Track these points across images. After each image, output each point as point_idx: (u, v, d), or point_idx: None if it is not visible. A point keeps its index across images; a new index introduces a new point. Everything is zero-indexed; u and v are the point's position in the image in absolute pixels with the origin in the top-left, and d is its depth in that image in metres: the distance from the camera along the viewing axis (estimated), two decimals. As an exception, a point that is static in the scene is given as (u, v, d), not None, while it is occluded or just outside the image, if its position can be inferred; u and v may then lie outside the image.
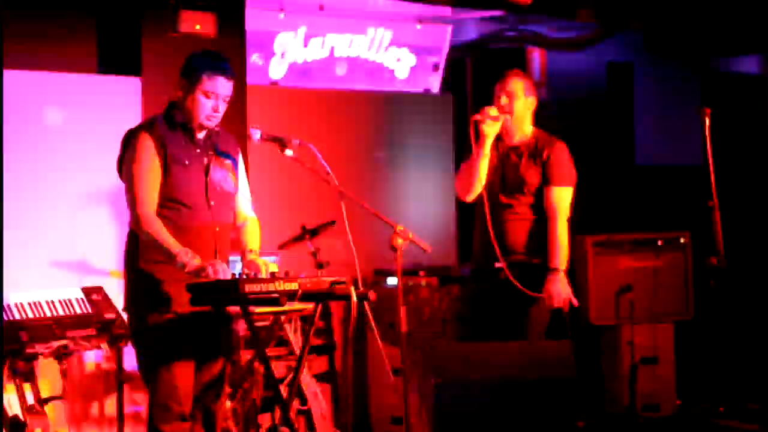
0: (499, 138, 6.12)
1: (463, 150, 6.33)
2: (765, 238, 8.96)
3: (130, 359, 6.61)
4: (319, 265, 6.84)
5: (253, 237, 5.23)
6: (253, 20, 7.71)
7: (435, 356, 5.47)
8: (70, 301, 6.09)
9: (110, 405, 6.83)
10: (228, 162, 5.15)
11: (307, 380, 6.51)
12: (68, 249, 6.77)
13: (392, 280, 7.77)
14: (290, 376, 6.29)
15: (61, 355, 5.85)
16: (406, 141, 8.59)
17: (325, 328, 7.24)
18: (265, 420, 6.63)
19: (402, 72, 8.73)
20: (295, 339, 6.61)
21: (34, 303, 5.96)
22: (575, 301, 6.14)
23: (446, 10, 8.66)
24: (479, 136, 6.03)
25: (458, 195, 6.22)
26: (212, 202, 5.06)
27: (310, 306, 5.76)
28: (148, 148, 4.96)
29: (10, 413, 5.74)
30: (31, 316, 5.89)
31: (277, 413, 6.26)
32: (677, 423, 8.32)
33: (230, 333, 5.20)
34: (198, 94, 4.98)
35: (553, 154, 6.10)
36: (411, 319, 7.57)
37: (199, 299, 4.80)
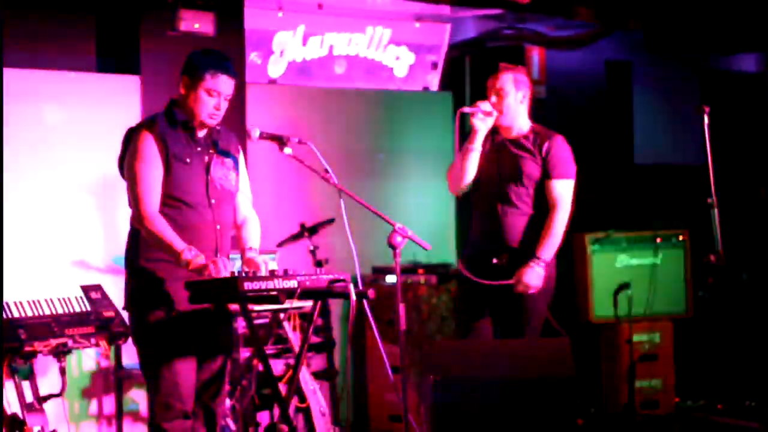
0: (495, 131, 6.09)
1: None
2: (764, 236, 8.96)
3: (128, 357, 6.63)
4: (318, 263, 6.85)
5: (253, 235, 5.24)
6: (252, 19, 7.71)
7: (433, 354, 5.47)
8: (68, 299, 6.09)
9: (109, 403, 6.84)
10: (229, 160, 5.16)
11: (305, 378, 6.51)
12: (67, 247, 6.77)
13: (391, 278, 7.78)
14: (289, 373, 6.30)
15: (59, 353, 5.85)
16: (404, 139, 8.60)
17: (324, 325, 7.24)
18: (263, 417, 6.64)
19: (401, 70, 8.73)
20: (294, 336, 6.62)
21: (33, 301, 5.96)
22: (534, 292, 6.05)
23: (445, 9, 8.66)
24: (470, 129, 6.02)
25: (449, 187, 6.19)
26: (213, 200, 5.06)
27: (309, 304, 5.77)
28: (149, 145, 4.97)
29: (9, 411, 5.74)
30: (30, 314, 5.89)
31: (276, 411, 6.26)
32: (676, 421, 8.33)
33: (230, 330, 5.21)
34: (200, 93, 4.99)
35: (552, 147, 6.05)
36: (410, 316, 7.60)
37: (198, 297, 4.81)
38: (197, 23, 7.07)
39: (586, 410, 8.34)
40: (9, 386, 5.78)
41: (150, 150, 4.96)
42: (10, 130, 6.31)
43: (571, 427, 5.39)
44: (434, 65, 8.85)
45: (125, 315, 5.30)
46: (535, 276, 5.95)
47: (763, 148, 9.24)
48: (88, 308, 6.11)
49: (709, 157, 5.98)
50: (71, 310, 6.06)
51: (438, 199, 8.48)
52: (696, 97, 9.69)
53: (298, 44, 8.17)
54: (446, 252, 8.33)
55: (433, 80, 8.88)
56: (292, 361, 6.53)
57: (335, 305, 7.69)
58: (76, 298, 6.13)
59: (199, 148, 5.07)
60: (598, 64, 9.34)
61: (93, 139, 6.87)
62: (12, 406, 5.79)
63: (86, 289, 6.24)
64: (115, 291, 6.42)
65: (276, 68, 8.12)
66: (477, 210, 6.18)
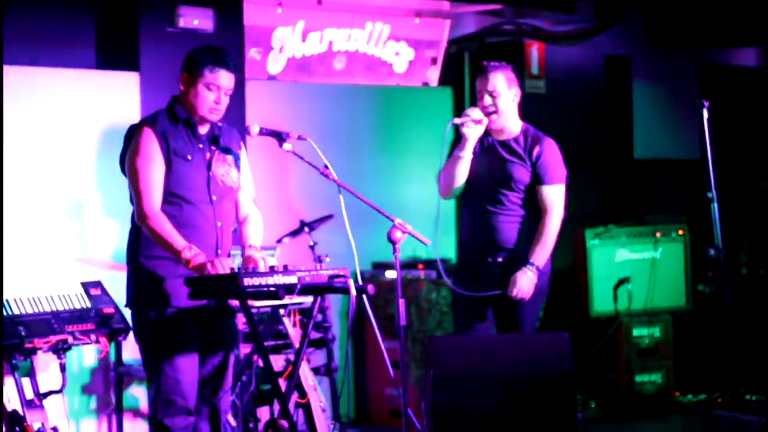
0: (485, 132, 6.03)
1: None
2: (763, 229, 8.96)
3: (128, 354, 6.63)
4: (318, 259, 6.85)
5: (254, 232, 5.25)
6: (251, 15, 7.71)
7: (433, 349, 5.47)
8: (68, 295, 6.10)
9: (109, 399, 6.84)
10: (230, 157, 5.16)
11: (305, 373, 6.52)
12: (67, 243, 6.77)
13: (391, 274, 7.78)
14: (289, 369, 6.31)
15: (59, 349, 5.85)
16: (404, 134, 8.60)
17: (324, 321, 7.25)
18: (263, 413, 6.65)
19: (400, 66, 8.73)
20: (294, 332, 6.62)
21: (33, 298, 5.96)
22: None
23: (444, 4, 8.66)
24: (461, 138, 5.96)
25: (440, 193, 6.13)
26: (214, 197, 5.07)
27: (308, 299, 5.78)
28: (150, 142, 4.97)
29: (10, 408, 5.75)
30: (30, 311, 5.89)
31: (276, 406, 6.27)
32: (676, 414, 8.34)
33: (232, 326, 5.22)
34: (200, 88, 5.00)
35: (543, 152, 6.00)
36: (410, 312, 7.60)
37: (198, 293, 4.81)
38: (196, 20, 7.07)
39: (587, 405, 8.34)
40: (9, 383, 5.78)
41: (151, 147, 4.97)
42: (10, 127, 6.32)
43: (571, 422, 5.39)
44: (434, 61, 8.84)
45: (125, 312, 5.30)
46: (527, 282, 5.94)
47: (762, 142, 9.24)
48: (88, 305, 6.12)
49: (709, 151, 5.98)
50: (71, 307, 6.06)
51: (438, 195, 8.47)
52: (695, 92, 9.68)
53: (297, 40, 8.17)
54: (446, 247, 8.33)
55: (433, 76, 8.87)
56: (292, 357, 6.54)
57: (335, 301, 7.69)
58: (76, 294, 6.14)
59: (200, 145, 5.08)
60: (598, 58, 9.34)
61: (92, 136, 6.87)
62: (12, 402, 5.79)
63: (86, 286, 6.24)
64: (115, 288, 6.42)
65: (275, 64, 8.11)
66: (468, 211, 6.16)
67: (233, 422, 6.26)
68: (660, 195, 9.40)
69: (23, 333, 5.71)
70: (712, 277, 6.06)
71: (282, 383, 5.22)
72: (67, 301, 6.06)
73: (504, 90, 6.01)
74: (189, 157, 5.02)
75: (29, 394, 5.83)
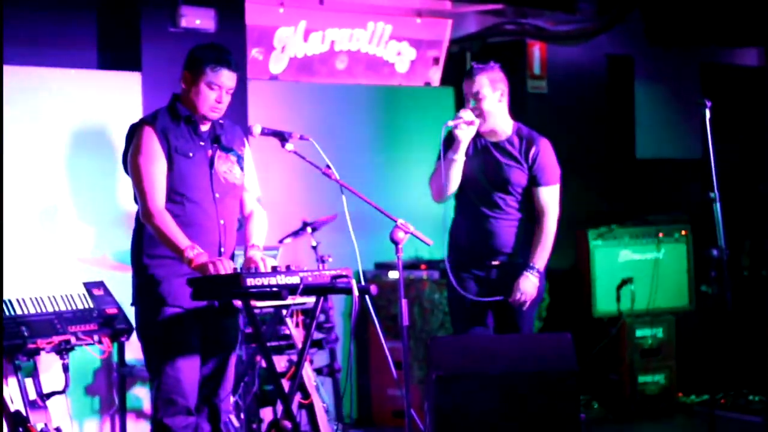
0: (477, 134, 5.99)
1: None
2: (764, 230, 8.96)
3: (131, 354, 6.63)
4: (320, 259, 6.84)
5: (257, 231, 5.23)
6: (253, 15, 7.71)
7: (436, 350, 5.47)
8: (71, 296, 6.10)
9: (112, 399, 6.84)
10: (233, 154, 5.16)
11: (308, 374, 6.52)
12: (70, 243, 6.77)
13: (393, 274, 7.78)
14: (292, 369, 6.30)
15: (62, 350, 5.86)
16: (406, 134, 8.59)
17: (327, 321, 7.24)
18: (266, 414, 6.64)
19: (402, 66, 8.73)
20: (297, 333, 6.62)
21: (36, 298, 5.96)
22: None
23: (446, 4, 8.66)
24: (454, 141, 5.93)
25: (432, 196, 6.11)
26: (217, 195, 5.06)
27: (311, 300, 5.78)
28: (151, 141, 4.97)
29: (13, 408, 5.75)
30: (32, 311, 5.90)
31: (279, 407, 6.26)
32: (678, 415, 8.33)
33: (235, 327, 5.22)
34: (201, 86, 5.00)
35: (539, 154, 5.98)
36: (412, 312, 7.60)
37: (201, 293, 4.81)
38: (198, 19, 7.07)
39: (589, 405, 8.34)
40: (12, 383, 5.79)
41: (152, 145, 4.97)
42: (12, 127, 6.32)
43: (574, 422, 5.38)
44: (435, 60, 8.84)
45: (128, 312, 5.30)
46: (530, 285, 5.95)
47: (764, 142, 9.24)
48: (91, 305, 6.12)
49: (711, 151, 5.98)
50: (74, 307, 6.06)
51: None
52: (697, 92, 9.68)
53: (299, 40, 8.17)
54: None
55: (435, 75, 8.87)
56: (294, 358, 6.53)
57: (338, 301, 7.69)
58: (78, 295, 6.14)
59: (202, 143, 5.08)
60: (599, 58, 9.33)
61: (94, 136, 6.87)
62: (15, 403, 5.79)
63: (89, 286, 6.25)
64: (118, 288, 6.42)
65: (277, 64, 8.11)
66: (462, 214, 6.13)
67: (236, 423, 6.25)
68: (662, 195, 9.39)
69: (26, 333, 5.71)
70: (715, 277, 6.06)
71: (285, 384, 5.21)
72: (70, 301, 6.06)
73: (488, 92, 5.97)
74: (190, 155, 5.02)
75: (32, 395, 5.84)
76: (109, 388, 6.86)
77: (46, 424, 5.77)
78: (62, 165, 6.77)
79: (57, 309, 5.99)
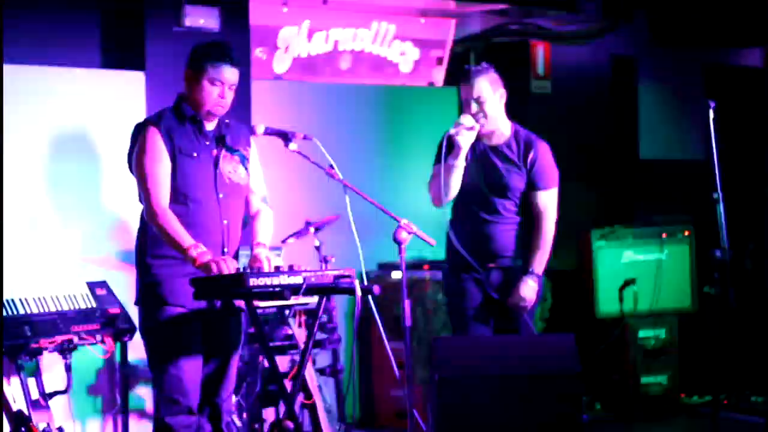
0: (476, 137, 5.96)
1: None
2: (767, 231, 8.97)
3: (134, 354, 6.62)
4: (323, 259, 6.84)
5: (263, 229, 5.23)
6: (257, 15, 7.70)
7: (439, 350, 5.46)
8: (74, 295, 6.10)
9: (114, 399, 6.84)
10: (238, 154, 5.16)
11: (310, 374, 6.51)
12: (73, 243, 6.77)
13: (397, 274, 7.77)
14: (294, 370, 6.30)
15: (65, 350, 5.86)
16: (409, 134, 8.58)
17: (329, 322, 7.23)
18: (269, 414, 6.64)
19: (406, 66, 8.72)
20: (299, 333, 6.62)
21: (39, 298, 5.96)
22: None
23: (450, 4, 8.65)
24: (454, 147, 5.90)
25: (432, 201, 6.08)
26: (221, 195, 5.06)
27: (314, 300, 5.77)
28: (155, 141, 4.98)
29: (15, 408, 5.75)
30: (35, 311, 5.90)
31: (282, 407, 6.26)
32: (681, 416, 8.33)
33: (238, 327, 5.22)
34: (204, 83, 5.01)
35: (538, 157, 5.96)
36: (415, 312, 7.59)
37: (203, 293, 4.81)
38: (202, 19, 7.07)
39: (592, 406, 8.33)
40: (15, 383, 5.79)
41: (156, 145, 4.98)
42: (14, 125, 6.32)
43: (577, 422, 5.38)
44: (439, 60, 8.83)
45: (131, 311, 5.30)
46: (530, 291, 5.94)
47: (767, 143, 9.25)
48: (94, 305, 6.12)
49: (715, 152, 5.97)
50: (77, 307, 6.06)
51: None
52: (701, 93, 9.67)
53: (303, 40, 8.17)
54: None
55: (439, 75, 8.87)
56: (297, 358, 6.53)
57: (341, 301, 7.68)
58: (81, 294, 6.14)
59: (207, 142, 5.08)
60: (603, 59, 9.33)
61: (98, 135, 6.87)
62: (18, 402, 5.79)
63: (92, 286, 6.25)
64: (121, 287, 6.43)
65: (281, 64, 8.11)
66: (461, 218, 6.10)
67: (238, 423, 6.25)
68: (665, 196, 9.38)
69: (29, 333, 5.72)
70: (718, 278, 6.05)
71: (287, 384, 5.21)
72: (72, 301, 6.06)
73: (489, 95, 5.96)
74: (194, 154, 5.03)
75: (35, 395, 5.84)
76: (112, 387, 6.86)
77: (48, 424, 5.77)
78: (65, 164, 6.77)
79: (60, 309, 5.99)
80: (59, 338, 5.81)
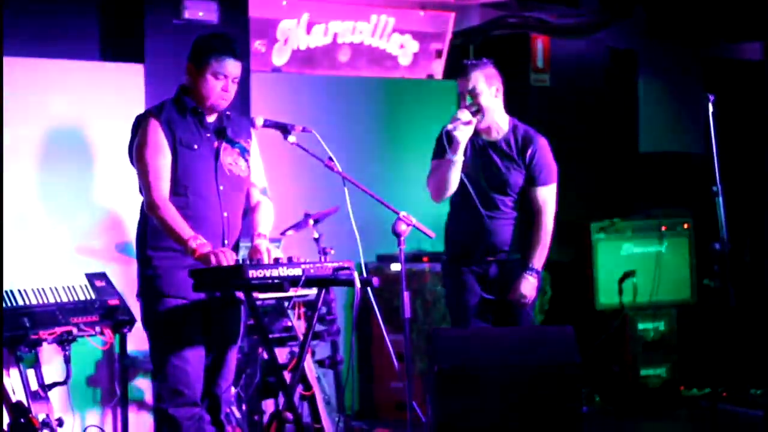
0: (475, 133, 5.94)
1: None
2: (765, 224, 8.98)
3: (133, 345, 6.63)
4: (323, 251, 6.84)
5: (264, 220, 5.22)
6: (256, 7, 7.70)
7: (438, 342, 5.46)
8: (73, 287, 6.10)
9: (114, 390, 6.84)
10: (239, 146, 5.16)
11: (310, 366, 6.52)
12: (72, 235, 6.77)
13: (396, 266, 7.77)
14: (294, 361, 6.30)
15: (64, 341, 5.87)
16: (409, 127, 8.58)
17: (329, 313, 7.24)
18: (268, 405, 6.64)
19: (405, 58, 8.72)
20: (299, 325, 6.62)
21: (38, 289, 5.97)
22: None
23: (449, -3, 8.67)
24: (452, 142, 5.89)
25: (431, 196, 6.06)
26: (221, 187, 5.06)
27: (313, 292, 5.77)
28: (156, 133, 4.98)
29: (14, 399, 5.76)
30: (34, 302, 5.91)
31: (281, 399, 6.27)
32: (680, 408, 8.33)
33: (237, 319, 5.22)
34: (207, 76, 5.00)
35: (537, 154, 5.95)
36: (414, 304, 7.60)
37: (203, 285, 4.81)
38: (201, 11, 7.07)
39: (591, 398, 8.34)
40: (14, 374, 5.79)
41: (157, 137, 4.98)
42: (14, 118, 6.32)
43: (576, 414, 5.38)
44: (438, 53, 8.83)
45: (130, 303, 5.30)
46: (530, 287, 5.94)
47: (767, 136, 9.24)
48: (93, 296, 6.13)
49: (714, 145, 5.97)
50: (76, 299, 6.07)
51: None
52: (700, 86, 9.67)
53: (302, 32, 8.16)
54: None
55: (438, 68, 8.87)
56: (296, 349, 6.53)
57: (340, 293, 7.68)
58: (80, 286, 6.15)
59: (208, 134, 5.08)
60: (603, 52, 9.32)
61: (97, 127, 6.87)
62: (17, 393, 5.80)
63: (91, 278, 6.25)
64: (120, 279, 6.44)
65: (280, 56, 8.11)
66: (459, 212, 6.08)
67: (238, 414, 6.26)
68: (665, 188, 9.38)
69: (28, 324, 5.72)
70: (717, 270, 6.06)
71: (287, 375, 5.21)
72: (72, 292, 6.07)
73: (484, 88, 5.94)
74: (195, 147, 5.03)
75: (34, 386, 5.85)
76: (111, 379, 6.86)
77: (47, 415, 5.78)
78: (65, 155, 6.77)
79: (59, 300, 6.00)
80: (58, 330, 5.81)
